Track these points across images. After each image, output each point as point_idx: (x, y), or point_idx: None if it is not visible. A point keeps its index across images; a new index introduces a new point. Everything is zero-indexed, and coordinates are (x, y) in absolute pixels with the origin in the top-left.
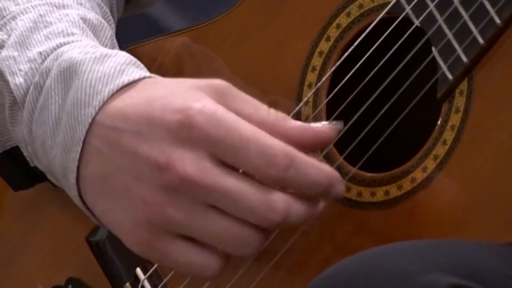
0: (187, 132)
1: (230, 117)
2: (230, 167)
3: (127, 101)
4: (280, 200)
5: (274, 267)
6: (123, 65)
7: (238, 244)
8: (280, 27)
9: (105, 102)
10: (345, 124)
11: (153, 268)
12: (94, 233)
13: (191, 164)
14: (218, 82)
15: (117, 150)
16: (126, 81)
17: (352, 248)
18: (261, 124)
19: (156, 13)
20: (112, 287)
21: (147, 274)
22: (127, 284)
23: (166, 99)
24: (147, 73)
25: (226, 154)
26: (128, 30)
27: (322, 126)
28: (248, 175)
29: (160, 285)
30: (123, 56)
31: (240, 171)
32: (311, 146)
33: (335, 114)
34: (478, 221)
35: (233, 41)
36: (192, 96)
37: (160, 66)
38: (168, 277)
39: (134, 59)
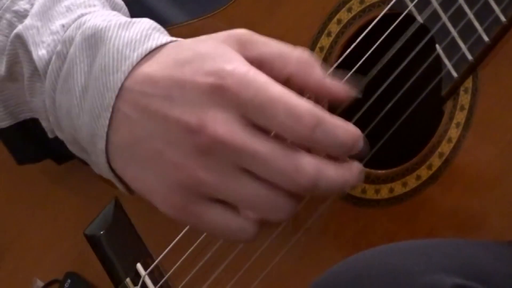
0: (219, 94)
1: (260, 78)
2: (262, 130)
3: (155, 66)
4: (309, 163)
5: (278, 265)
6: (148, 30)
7: (271, 207)
8: (280, 22)
9: (134, 67)
10: (349, 121)
11: (154, 263)
12: (92, 227)
13: (222, 126)
14: (238, 31)
15: (147, 115)
16: (154, 46)
17: (356, 246)
18: (286, 64)
19: (152, 2)
20: (112, 282)
21: (148, 270)
22: (128, 279)
23: (195, 62)
24: (172, 38)
25: (256, 115)
26: None
27: (340, 85)
28: (279, 139)
29: (162, 281)
30: (148, 22)
31: (272, 134)
32: (330, 100)
33: (338, 111)
34: (484, 220)
35: None
36: (222, 57)
37: None
38: (169, 273)
39: (157, 25)
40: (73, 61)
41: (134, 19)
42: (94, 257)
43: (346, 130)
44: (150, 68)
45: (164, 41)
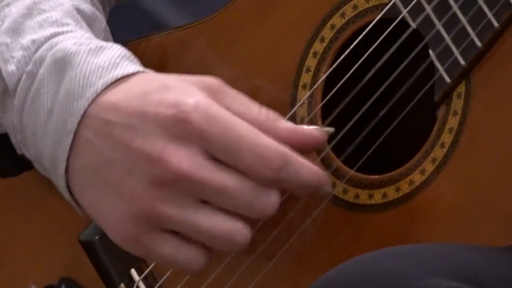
0: (182, 127)
1: (225, 115)
2: (223, 164)
3: (121, 95)
4: (275, 196)
5: (272, 270)
6: (117, 58)
7: (227, 240)
8: (273, 27)
9: (98, 95)
10: (342, 126)
11: (148, 269)
12: (86, 233)
13: (185, 159)
14: (209, 79)
15: (109, 143)
16: (120, 75)
17: (350, 251)
18: (252, 123)
19: (149, 4)
20: (106, 287)
21: (142, 276)
22: (122, 285)
23: (159, 93)
24: (141, 68)
25: (220, 152)
26: (120, 20)
27: (312, 129)
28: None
29: (156, 287)
30: (118, 50)
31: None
32: (300, 148)
33: (331, 116)
34: (478, 224)
35: (226, 41)
36: (186, 91)
37: (152, 65)
38: (163, 279)
39: (128, 53)
40: (42, 83)
41: (106, 45)
42: (89, 262)
43: (311, 171)
44: (115, 96)
45: (131, 71)
